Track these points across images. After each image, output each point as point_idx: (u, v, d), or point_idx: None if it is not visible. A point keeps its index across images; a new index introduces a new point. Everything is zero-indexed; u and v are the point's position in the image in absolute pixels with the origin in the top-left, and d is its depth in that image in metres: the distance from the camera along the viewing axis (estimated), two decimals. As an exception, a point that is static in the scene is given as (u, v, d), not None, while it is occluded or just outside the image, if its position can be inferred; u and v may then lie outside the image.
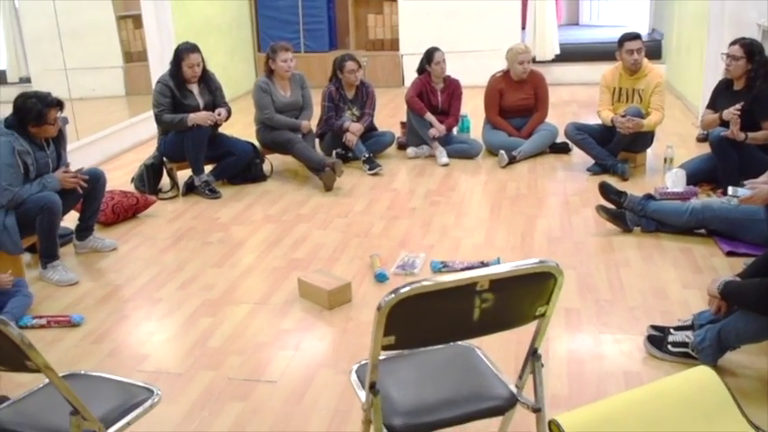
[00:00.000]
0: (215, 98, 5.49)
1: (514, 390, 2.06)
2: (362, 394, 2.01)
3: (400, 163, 6.10)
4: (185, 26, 7.94)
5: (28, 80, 7.62)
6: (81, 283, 4.08)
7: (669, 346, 3.01)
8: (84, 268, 4.31)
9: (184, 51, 5.27)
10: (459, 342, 2.24)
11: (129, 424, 2.13)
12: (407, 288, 1.68)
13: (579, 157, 5.82)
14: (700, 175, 4.93)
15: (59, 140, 4.25)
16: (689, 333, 3.00)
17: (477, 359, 2.20)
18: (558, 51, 9.01)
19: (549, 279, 1.77)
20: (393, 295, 1.67)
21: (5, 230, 3.94)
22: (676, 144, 5.67)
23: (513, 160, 5.82)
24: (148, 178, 5.45)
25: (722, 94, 4.98)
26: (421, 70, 6.21)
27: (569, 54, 9.23)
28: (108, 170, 6.16)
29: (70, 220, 4.53)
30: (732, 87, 4.88)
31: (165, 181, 5.61)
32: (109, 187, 5.27)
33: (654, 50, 8.96)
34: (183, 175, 5.55)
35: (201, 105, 5.40)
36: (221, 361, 3.20)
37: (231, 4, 9.18)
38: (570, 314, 3.43)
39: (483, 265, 3.94)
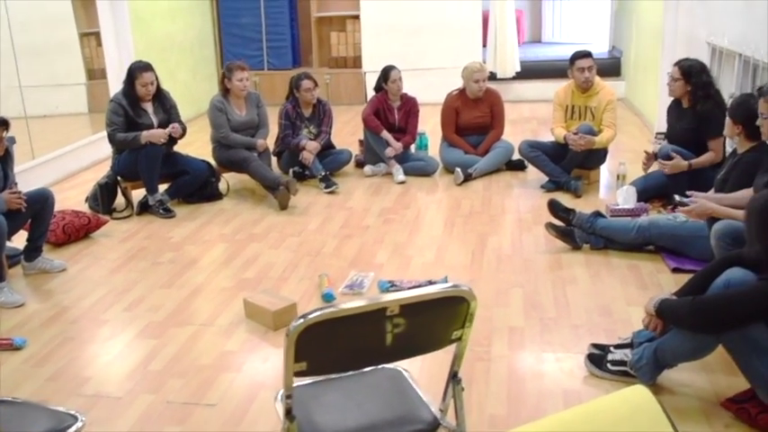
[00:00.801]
0: (169, 116, 5.46)
1: (438, 414, 2.04)
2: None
3: (357, 181, 6.10)
4: (146, 44, 7.90)
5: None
6: (27, 305, 4.02)
7: (608, 365, 3.03)
8: (32, 290, 4.24)
9: (137, 70, 5.25)
10: (387, 365, 2.22)
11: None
12: (317, 313, 1.67)
13: (534, 174, 5.86)
14: (650, 192, 4.97)
15: (6, 160, 4.19)
16: (628, 351, 3.02)
17: (404, 383, 2.19)
18: (518, 69, 9.08)
19: (462, 303, 1.77)
20: (302, 320, 1.66)
21: (-51, 253, 3.88)
22: (632, 161, 5.71)
23: (468, 178, 5.84)
24: (102, 198, 5.40)
25: (673, 112, 5.06)
26: (378, 88, 6.23)
27: (531, 71, 9.32)
28: (64, 189, 6.17)
29: (19, 241, 4.47)
30: (681, 105, 4.95)
31: (120, 200, 5.56)
32: (64, 206, 5.27)
33: (613, 68, 9.10)
34: (138, 194, 5.49)
35: (156, 124, 5.37)
36: (162, 384, 3.16)
37: (194, 21, 9.16)
38: (514, 333, 3.44)
39: (430, 283, 3.94)
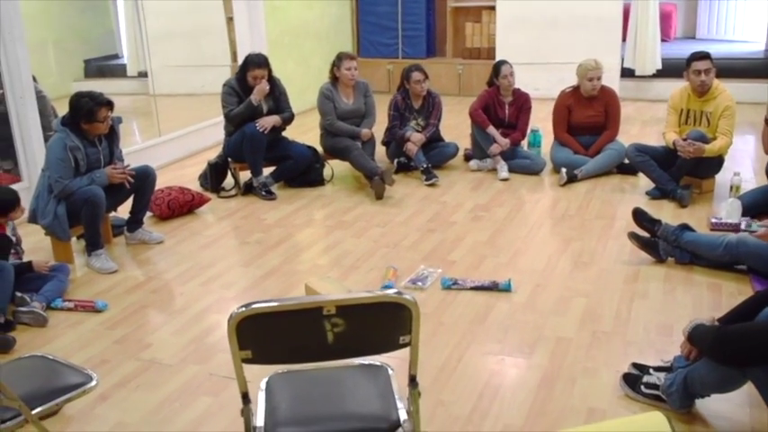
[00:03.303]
0: (278, 104, 5.72)
1: (405, 415, 2.09)
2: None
3: (461, 175, 6.11)
4: (280, 30, 8.27)
5: (145, 74, 8.25)
6: (119, 272, 4.40)
7: (642, 387, 2.91)
8: (128, 258, 4.64)
9: (251, 64, 5.52)
10: (375, 361, 2.29)
11: (57, 406, 2.34)
12: (256, 305, 1.77)
13: (646, 180, 5.60)
14: (758, 208, 4.65)
15: (112, 138, 4.59)
16: (664, 375, 2.89)
17: (383, 380, 2.24)
18: (659, 66, 8.65)
19: (404, 310, 1.81)
20: (243, 309, 1.77)
21: (56, 219, 4.33)
22: (755, 172, 5.35)
23: (573, 179, 5.70)
24: (211, 176, 5.77)
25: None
26: (490, 83, 6.19)
27: (676, 69, 8.82)
28: (187, 165, 6.62)
29: (125, 213, 4.88)
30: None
31: (230, 180, 5.90)
32: (182, 182, 5.68)
33: (765, 69, 8.46)
34: (246, 175, 5.81)
35: (265, 110, 5.65)
36: (210, 357, 3.39)
37: (331, 9, 9.45)
38: (560, 343, 3.37)
39: (494, 285, 3.94)
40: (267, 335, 1.81)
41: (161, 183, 5.47)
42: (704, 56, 5.13)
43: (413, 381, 2.02)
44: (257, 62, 5.53)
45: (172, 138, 6.93)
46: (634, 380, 2.96)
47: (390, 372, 2.29)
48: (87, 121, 4.32)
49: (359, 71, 5.94)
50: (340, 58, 5.87)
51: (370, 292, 1.81)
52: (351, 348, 1.87)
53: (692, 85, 5.18)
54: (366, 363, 2.31)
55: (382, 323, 1.84)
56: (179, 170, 6.55)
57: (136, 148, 6.41)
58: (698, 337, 2.61)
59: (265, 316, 1.77)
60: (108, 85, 8.56)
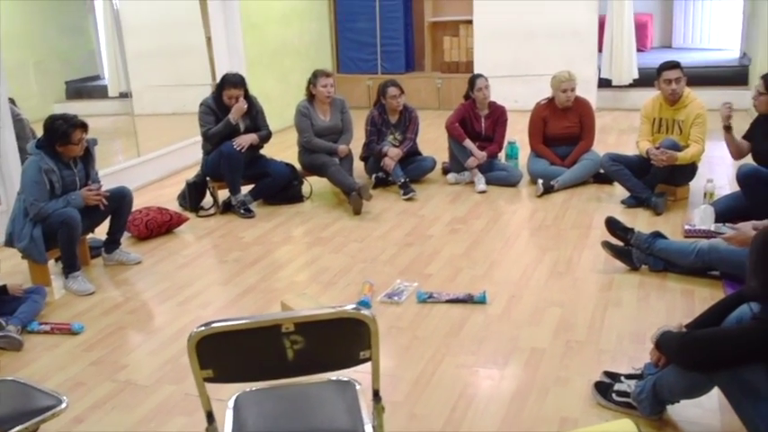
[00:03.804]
0: (255, 122, 5.74)
1: (371, 430, 2.10)
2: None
3: (439, 189, 6.14)
4: (259, 48, 8.32)
5: (127, 95, 8.25)
6: (96, 294, 4.40)
7: (614, 395, 2.94)
8: (106, 279, 4.64)
9: (227, 83, 5.55)
10: (342, 377, 2.30)
11: (26, 429, 2.33)
12: (215, 325, 1.78)
13: (622, 188, 5.64)
14: (731, 213, 4.70)
15: (88, 160, 4.60)
16: (635, 382, 2.92)
17: (351, 395, 2.25)
18: (636, 75, 8.75)
19: (362, 326, 1.83)
20: (202, 329, 1.79)
21: (33, 242, 4.32)
22: (730, 179, 5.40)
23: (550, 189, 5.74)
24: (190, 196, 5.78)
25: (760, 127, 4.76)
26: (466, 96, 6.24)
27: (653, 78, 8.91)
28: (166, 185, 6.63)
29: (104, 234, 4.88)
30: (771, 122, 4.66)
31: (208, 198, 5.91)
32: (161, 202, 5.69)
33: (740, 76, 8.57)
34: (225, 193, 5.82)
35: (242, 129, 5.67)
36: (186, 377, 3.38)
37: (311, 25, 9.50)
38: (534, 354, 3.39)
39: (469, 297, 3.96)
40: (227, 353, 1.83)
41: (140, 203, 5.49)
42: (674, 65, 5.21)
43: (376, 395, 2.04)
44: (233, 82, 5.56)
45: (151, 158, 6.93)
46: (606, 388, 2.99)
47: (358, 387, 2.30)
48: (62, 144, 4.33)
49: (335, 88, 5.97)
50: (316, 75, 5.91)
51: (329, 308, 1.82)
52: (311, 365, 1.89)
53: (664, 94, 5.25)
54: (334, 378, 2.32)
55: (341, 339, 1.85)
56: (159, 190, 6.56)
57: (115, 169, 6.41)
58: (665, 343, 2.64)
59: (224, 335, 1.78)
60: (89, 107, 8.57)
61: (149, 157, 6.95)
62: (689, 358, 2.48)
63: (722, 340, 2.41)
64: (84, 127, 4.38)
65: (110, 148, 7.61)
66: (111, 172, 6.27)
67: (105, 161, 6.71)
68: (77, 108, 9.02)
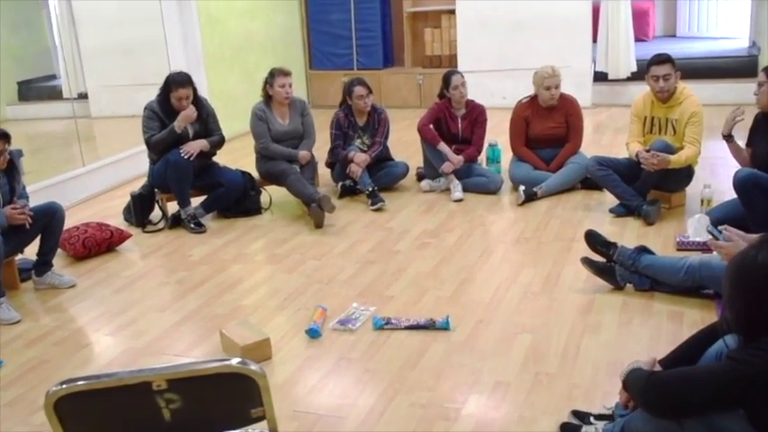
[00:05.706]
0: (206, 126, 5.60)
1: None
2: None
3: (412, 197, 6.00)
4: (219, 44, 8.17)
5: (85, 96, 8.11)
6: (22, 322, 4.23)
7: (581, 439, 2.79)
8: (34, 306, 4.48)
9: (173, 83, 5.40)
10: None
11: None
12: (77, 383, 1.63)
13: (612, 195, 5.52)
14: (729, 222, 4.52)
15: (12, 173, 4.45)
16: (604, 425, 2.77)
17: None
18: (634, 68, 8.61)
19: (248, 381, 1.67)
20: (62, 386, 1.64)
21: (-52, 266, 4.17)
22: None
23: (533, 197, 5.60)
24: (135, 209, 5.61)
25: (760, 129, 4.62)
26: (441, 95, 6.09)
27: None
28: (117, 196, 6.47)
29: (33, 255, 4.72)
30: None
31: (157, 212, 5.75)
32: (105, 216, 5.54)
33: (749, 68, 8.43)
34: (175, 206, 5.66)
35: (191, 134, 5.52)
36: (106, 420, 3.23)
37: (277, 19, 9.36)
38: (498, 389, 3.24)
39: (430, 323, 3.81)
40: (94, 415, 1.68)
41: (83, 217, 5.35)
42: (663, 60, 5.06)
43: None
44: (179, 81, 5.41)
45: (98, 167, 6.78)
46: (573, 430, 2.84)
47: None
48: (-21, 158, 4.18)
49: (294, 87, 5.82)
50: (272, 74, 5.76)
51: (210, 361, 1.67)
52: (193, 426, 1.73)
53: (652, 92, 5.11)
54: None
55: (225, 396, 1.70)
56: (107, 202, 6.40)
57: (56, 181, 6.25)
58: (631, 384, 2.48)
59: (86, 394, 1.63)
60: (44, 109, 8.43)
61: (97, 166, 6.79)
62: (655, 403, 2.32)
63: (691, 384, 2.24)
64: (5, 137, 4.23)
65: (59, 156, 7.47)
66: (53, 183, 6.12)
67: (58, 169, 6.56)
68: (31, 110, 8.89)
